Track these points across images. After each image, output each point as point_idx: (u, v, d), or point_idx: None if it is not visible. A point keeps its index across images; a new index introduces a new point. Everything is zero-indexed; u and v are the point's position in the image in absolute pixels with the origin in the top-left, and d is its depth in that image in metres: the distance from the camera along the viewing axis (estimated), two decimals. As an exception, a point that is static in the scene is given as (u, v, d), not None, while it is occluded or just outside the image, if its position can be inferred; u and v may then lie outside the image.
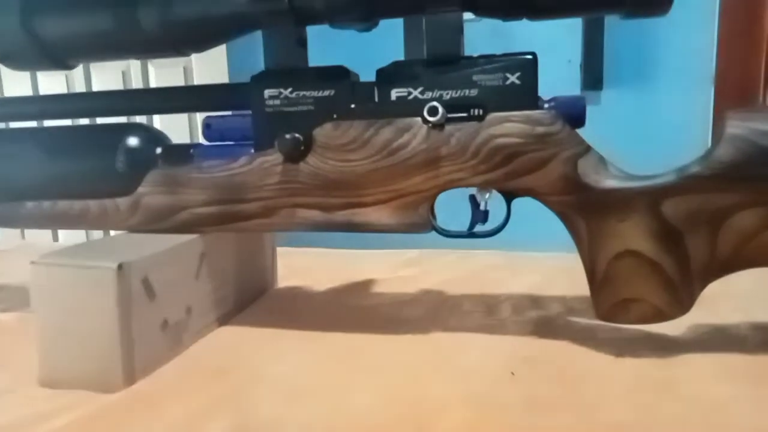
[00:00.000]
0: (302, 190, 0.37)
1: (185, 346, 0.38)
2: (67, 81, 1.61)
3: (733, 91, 1.65)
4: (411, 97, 0.35)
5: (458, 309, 0.45)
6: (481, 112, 0.34)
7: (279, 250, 0.57)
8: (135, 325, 0.33)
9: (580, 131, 0.34)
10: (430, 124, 0.34)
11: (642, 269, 0.33)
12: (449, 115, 0.34)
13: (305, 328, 0.42)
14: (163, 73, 1.57)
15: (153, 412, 0.30)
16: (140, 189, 0.39)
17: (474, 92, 0.34)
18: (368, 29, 0.37)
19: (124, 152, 0.40)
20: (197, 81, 1.58)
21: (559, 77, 1.92)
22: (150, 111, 0.41)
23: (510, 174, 0.34)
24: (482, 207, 0.37)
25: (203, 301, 0.40)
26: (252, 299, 0.48)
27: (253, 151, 0.38)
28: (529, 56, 0.34)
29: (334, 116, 0.36)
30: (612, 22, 1.68)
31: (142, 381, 0.33)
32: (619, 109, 1.72)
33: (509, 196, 0.36)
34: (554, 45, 1.75)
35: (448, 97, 0.35)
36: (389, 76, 0.36)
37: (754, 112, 0.32)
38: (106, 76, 1.58)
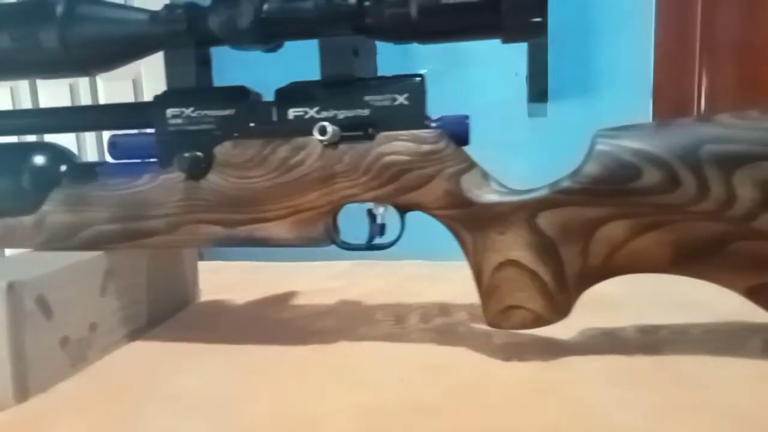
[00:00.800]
0: (204, 207, 0.38)
1: (90, 362, 0.39)
2: (12, 95, 1.58)
3: (669, 103, 1.72)
4: (307, 116, 0.37)
5: (369, 319, 0.46)
6: (371, 131, 0.36)
7: (211, 264, 0.58)
8: (29, 342, 0.33)
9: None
10: (324, 143, 0.36)
11: (521, 278, 0.35)
12: (343, 134, 0.36)
13: (216, 341, 0.42)
14: (110, 87, 1.56)
15: (42, 428, 0.31)
16: (44, 207, 0.39)
17: (366, 112, 0.36)
18: (273, 50, 0.39)
19: (28, 171, 0.40)
20: (146, 93, 1.58)
21: (506, 89, 1.97)
22: (56, 130, 0.42)
23: (399, 190, 0.36)
24: (378, 221, 0.38)
25: (110, 318, 0.41)
26: (169, 314, 0.48)
27: (157, 168, 0.39)
28: (418, 78, 0.36)
29: (235, 135, 0.37)
30: (555, 37, 1.74)
31: (36, 398, 0.34)
32: (565, 120, 1.78)
33: (402, 210, 0.37)
34: (501, 58, 1.80)
35: (342, 116, 0.36)
36: (287, 96, 0.37)
37: (622, 129, 0.35)
38: (54, 89, 1.56)
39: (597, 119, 1.64)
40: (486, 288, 0.36)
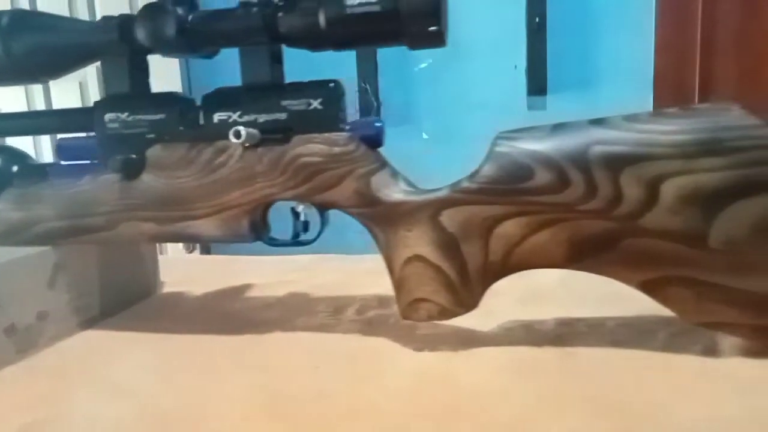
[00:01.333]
0: (138, 206, 0.41)
1: (40, 349, 0.42)
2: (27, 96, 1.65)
3: (670, 94, 1.71)
4: (231, 120, 0.39)
5: (310, 311, 0.49)
6: (288, 134, 0.38)
7: (180, 257, 0.61)
8: (-27, 330, 0.37)
9: None
10: (245, 145, 0.38)
11: (427, 273, 0.37)
12: (262, 137, 0.38)
13: (161, 331, 0.45)
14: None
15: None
16: (-2, 205, 0.43)
17: (283, 116, 0.38)
18: (208, 57, 0.41)
19: (-19, 172, 0.43)
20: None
21: (506, 82, 1.97)
22: (8, 134, 0.45)
23: (314, 189, 0.38)
24: (302, 218, 0.41)
25: (61, 308, 0.44)
26: (126, 305, 0.51)
27: (98, 169, 0.42)
28: (332, 84, 0.38)
29: (165, 138, 0.40)
30: (554, 30, 1.73)
31: (-18, 379, 0.37)
32: (564, 113, 1.76)
33: (320, 209, 0.40)
34: (501, 51, 1.81)
35: (261, 120, 0.39)
36: (213, 101, 0.40)
37: (520, 132, 0.36)
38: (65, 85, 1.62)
39: (596, 112, 1.64)
40: (397, 282, 0.38)
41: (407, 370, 0.37)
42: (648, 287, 0.35)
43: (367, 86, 1.86)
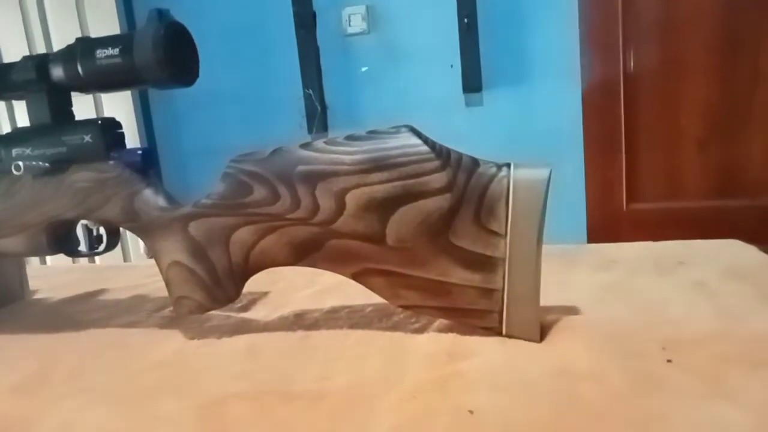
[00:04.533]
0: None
1: None
2: None
3: (597, 86, 1.77)
4: (25, 154, 0.47)
5: (136, 309, 0.56)
6: (68, 164, 0.46)
7: (69, 266, 0.68)
8: None
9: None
10: (30, 175, 0.46)
11: (184, 275, 0.45)
12: (48, 166, 0.46)
13: (11, 332, 0.53)
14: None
15: None
16: None
17: (64, 150, 0.46)
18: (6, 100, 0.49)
19: None
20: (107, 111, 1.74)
21: (443, 81, 2.04)
22: None
23: (88, 209, 0.46)
24: (95, 233, 0.48)
25: None
26: (-11, 311, 0.59)
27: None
28: (100, 121, 0.46)
29: (-23, 173, 0.48)
30: (486, 29, 1.80)
31: None
32: (499, 108, 1.85)
33: (103, 225, 0.47)
34: (437, 52, 1.88)
35: (49, 153, 0.46)
36: (10, 139, 0.47)
37: (246, 155, 0.43)
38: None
39: (530, 106, 1.75)
40: (165, 283, 0.46)
41: (157, 355, 0.44)
42: (357, 278, 0.42)
43: (311, 92, 1.93)
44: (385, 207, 0.40)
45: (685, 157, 1.74)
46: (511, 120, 1.84)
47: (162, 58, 0.41)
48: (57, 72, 0.44)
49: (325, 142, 0.42)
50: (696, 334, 0.40)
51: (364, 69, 1.94)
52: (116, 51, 0.42)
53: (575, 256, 0.63)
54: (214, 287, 0.45)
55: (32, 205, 0.46)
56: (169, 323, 0.52)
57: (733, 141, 1.71)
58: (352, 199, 0.40)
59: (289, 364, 0.41)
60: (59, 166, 0.46)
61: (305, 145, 0.42)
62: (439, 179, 0.39)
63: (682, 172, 1.75)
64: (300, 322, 0.49)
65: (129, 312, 0.56)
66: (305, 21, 1.88)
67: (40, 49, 1.84)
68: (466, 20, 1.77)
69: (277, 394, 0.37)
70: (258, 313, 0.52)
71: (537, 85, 1.81)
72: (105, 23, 1.81)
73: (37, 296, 0.65)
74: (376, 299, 0.50)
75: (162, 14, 0.42)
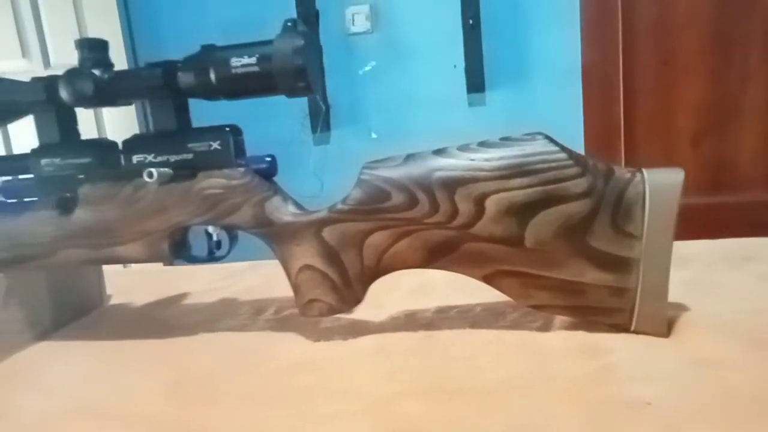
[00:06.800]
0: (73, 235, 0.48)
1: (-1, 361, 0.49)
2: None
3: (597, 85, 1.83)
4: (147, 161, 0.47)
5: (234, 312, 0.57)
6: (194, 171, 0.46)
7: (129, 270, 0.68)
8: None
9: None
10: (157, 182, 0.46)
11: (316, 278, 0.46)
12: (173, 173, 0.46)
13: (103, 338, 0.53)
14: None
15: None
16: (-51, 241, 0.50)
17: (190, 156, 0.46)
18: (125, 104, 0.49)
19: (-65, 212, 0.50)
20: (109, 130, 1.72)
21: (446, 81, 2.06)
22: None
23: (218, 215, 0.46)
24: (215, 238, 0.49)
25: (14, 324, 0.51)
26: (75, 317, 0.59)
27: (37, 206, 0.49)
28: (227, 128, 0.46)
29: (93, 177, 0.48)
30: (489, 30, 1.83)
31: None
32: (502, 108, 1.89)
33: (227, 230, 0.48)
34: (440, 51, 1.90)
35: (173, 160, 0.46)
36: (131, 145, 0.47)
37: (380, 162, 0.45)
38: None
39: (532, 105, 1.78)
40: (293, 287, 0.47)
41: (292, 357, 0.45)
42: (488, 279, 0.44)
43: (315, 90, 1.93)
44: (525, 211, 0.42)
45: (679, 152, 1.82)
46: (514, 119, 1.88)
47: (301, 67, 0.42)
48: (186, 79, 0.44)
49: (459, 149, 0.44)
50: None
51: (367, 68, 1.95)
52: (253, 60, 0.43)
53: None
54: (345, 290, 0.46)
55: (157, 211, 0.47)
56: (279, 326, 0.52)
57: (725, 138, 1.79)
58: (491, 203, 0.42)
59: (428, 362, 0.43)
60: (184, 172, 0.46)
61: (439, 152, 0.44)
62: (579, 185, 0.41)
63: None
64: (414, 322, 0.50)
65: (229, 316, 0.56)
66: (308, 20, 1.88)
67: (34, 48, 1.79)
68: (471, 21, 1.80)
69: (441, 391, 0.38)
70: (361, 314, 0.54)
71: (539, 85, 1.85)
72: (103, 20, 1.77)
73: (113, 302, 0.65)
74: (482, 299, 0.53)
75: (296, 24, 0.43)
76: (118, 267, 0.73)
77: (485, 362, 0.42)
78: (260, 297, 0.61)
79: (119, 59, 1.71)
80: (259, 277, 0.70)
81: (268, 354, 0.46)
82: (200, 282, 0.69)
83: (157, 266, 0.77)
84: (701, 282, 0.55)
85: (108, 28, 1.77)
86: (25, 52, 1.81)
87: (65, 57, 1.79)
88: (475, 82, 1.87)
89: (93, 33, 1.85)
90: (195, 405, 0.40)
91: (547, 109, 1.86)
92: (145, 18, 1.93)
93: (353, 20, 1.90)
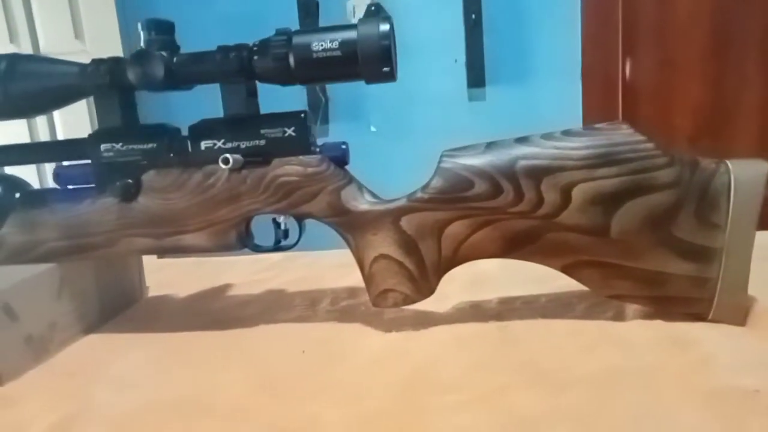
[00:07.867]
0: (136, 224, 0.46)
1: (51, 354, 0.47)
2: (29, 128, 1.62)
3: (596, 84, 1.85)
4: (216, 147, 0.45)
5: (288, 304, 0.56)
6: (268, 157, 0.45)
7: (162, 262, 0.66)
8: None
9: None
10: (229, 169, 0.45)
11: (392, 268, 0.45)
12: (245, 160, 0.45)
13: (152, 331, 0.51)
14: (69, 120, 1.61)
15: (14, 405, 0.40)
16: (3, 230, 0.47)
17: (262, 143, 0.45)
18: (187, 89, 0.47)
19: (-13, 200, 0.48)
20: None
21: (447, 76, 2.06)
22: (12, 163, 0.49)
23: (292, 204, 0.45)
24: (282, 227, 0.48)
25: (67, 317, 0.49)
26: (119, 310, 0.57)
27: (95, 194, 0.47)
28: (302, 114, 0.45)
29: (158, 164, 0.46)
30: (490, 25, 1.84)
31: (10, 383, 0.42)
32: (502, 103, 1.89)
33: (298, 219, 0.47)
34: (441, 46, 1.89)
35: (244, 146, 0.45)
36: (199, 131, 0.46)
37: (460, 150, 0.44)
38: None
39: (531, 102, 1.79)
40: (367, 277, 0.46)
41: (373, 349, 0.44)
42: (567, 270, 0.44)
43: (315, 83, 1.91)
44: (612, 201, 0.42)
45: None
46: (513, 115, 1.89)
47: (387, 52, 0.41)
48: (263, 63, 0.43)
49: (542, 137, 0.43)
50: None
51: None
52: (335, 44, 0.41)
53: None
54: (421, 279, 0.45)
55: (228, 199, 0.45)
56: (341, 317, 0.51)
57: (721, 139, 1.83)
58: (579, 192, 0.42)
59: (517, 353, 0.42)
60: (257, 159, 0.45)
61: (522, 140, 0.44)
62: (667, 174, 0.41)
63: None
64: (482, 313, 0.50)
65: (283, 308, 0.55)
66: (309, 10, 1.85)
67: (24, 41, 1.73)
68: (473, 16, 1.80)
69: (544, 382, 0.38)
70: (423, 305, 0.53)
71: (539, 82, 1.86)
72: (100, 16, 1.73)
73: (151, 294, 0.63)
74: (544, 290, 0.53)
75: (379, 9, 0.42)
76: (152, 259, 0.71)
77: (574, 353, 0.41)
78: (307, 288, 0.60)
79: (114, 46, 1.67)
80: (299, 268, 0.69)
81: (348, 346, 0.45)
82: (240, 274, 0.67)
83: (191, 258, 0.75)
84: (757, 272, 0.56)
85: (102, 11, 1.72)
86: (12, 37, 1.75)
87: (56, 43, 1.74)
88: (476, 77, 1.87)
89: (87, 18, 1.79)
90: (294, 399, 0.38)
91: (546, 106, 1.87)
92: (141, 3, 1.88)
93: (354, 12, 1.89)
